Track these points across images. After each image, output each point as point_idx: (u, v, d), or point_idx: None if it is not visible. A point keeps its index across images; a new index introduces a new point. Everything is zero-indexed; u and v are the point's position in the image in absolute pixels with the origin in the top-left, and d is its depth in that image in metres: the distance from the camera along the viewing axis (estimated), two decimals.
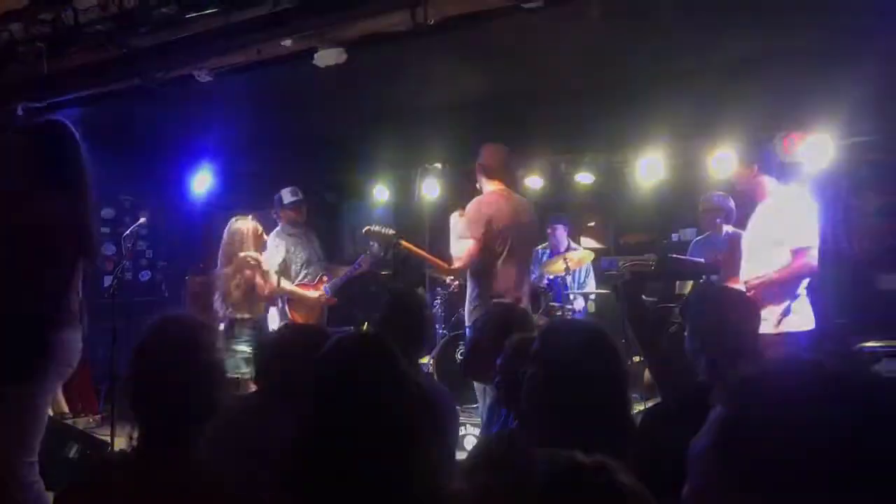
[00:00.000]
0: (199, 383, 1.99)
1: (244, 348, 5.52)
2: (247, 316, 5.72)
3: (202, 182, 7.95)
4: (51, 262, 3.30)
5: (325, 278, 6.23)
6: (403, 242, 5.13)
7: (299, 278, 6.15)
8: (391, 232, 5.22)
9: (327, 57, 4.52)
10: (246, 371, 5.26)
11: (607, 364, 2.12)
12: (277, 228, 6.24)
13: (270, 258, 5.97)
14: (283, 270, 6.05)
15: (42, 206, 3.30)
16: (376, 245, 5.56)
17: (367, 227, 5.35)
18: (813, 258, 4.22)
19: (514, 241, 4.78)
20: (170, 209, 8.27)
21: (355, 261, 6.18)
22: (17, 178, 3.37)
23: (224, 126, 6.67)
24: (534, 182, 8.33)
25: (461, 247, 4.81)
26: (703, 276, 4.66)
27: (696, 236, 6.68)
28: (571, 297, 7.36)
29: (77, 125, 3.52)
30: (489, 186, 4.95)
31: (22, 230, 3.24)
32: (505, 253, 4.76)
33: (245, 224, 5.82)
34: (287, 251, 6.11)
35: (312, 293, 6.14)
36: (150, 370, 1.99)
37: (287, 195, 6.22)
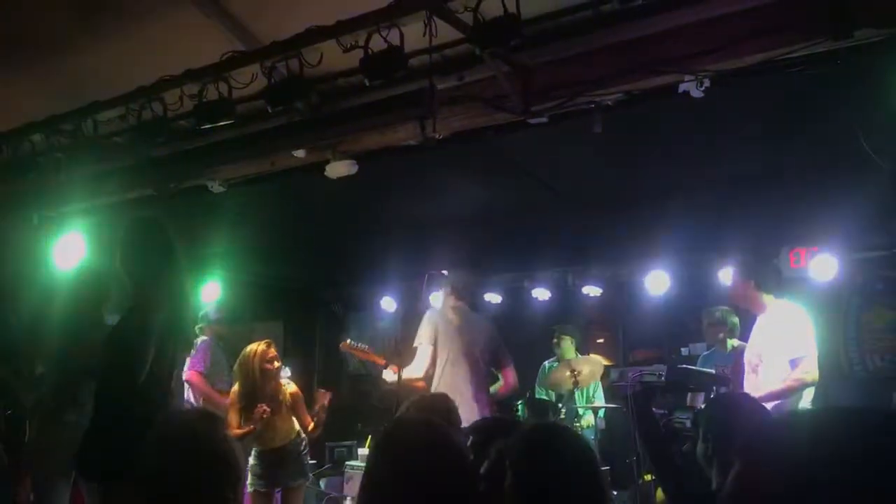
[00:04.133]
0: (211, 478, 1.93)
1: None
2: None
3: (211, 293, 7.97)
4: None
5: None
6: (348, 343, 5.77)
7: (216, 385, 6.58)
8: (365, 348, 5.88)
9: (339, 168, 4.63)
10: None
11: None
12: (205, 337, 6.80)
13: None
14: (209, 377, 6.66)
15: None
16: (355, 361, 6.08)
17: (342, 344, 5.91)
18: (811, 366, 4.21)
19: (458, 353, 5.14)
20: None
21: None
22: None
23: (232, 236, 6.79)
24: (540, 294, 8.32)
25: (420, 354, 5.29)
26: (714, 388, 4.60)
27: (705, 351, 6.62)
28: (581, 412, 7.22)
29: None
30: (450, 303, 5.49)
31: None
32: (447, 363, 5.16)
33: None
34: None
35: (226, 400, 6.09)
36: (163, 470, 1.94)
37: (213, 312, 6.96)
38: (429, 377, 5.27)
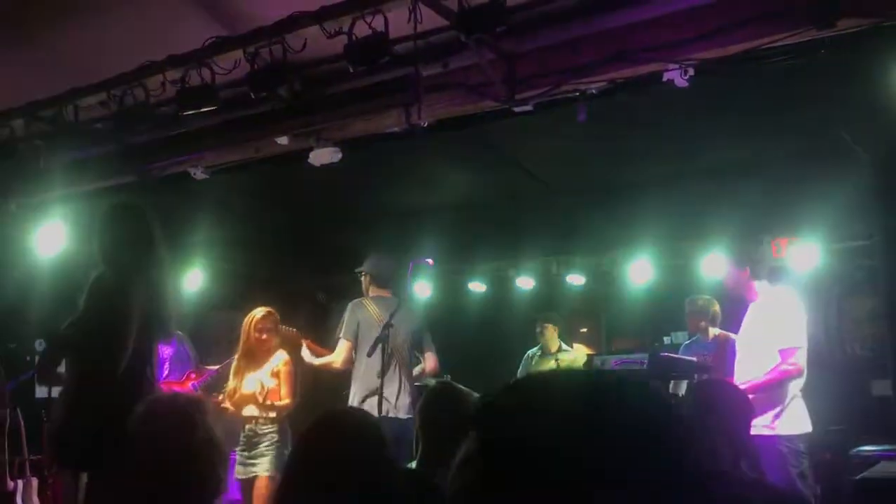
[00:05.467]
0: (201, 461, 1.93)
1: None
2: None
3: (193, 280, 7.92)
4: None
5: (192, 376, 6.32)
6: (306, 343, 5.81)
7: (163, 375, 6.17)
8: (292, 330, 5.95)
9: (322, 156, 4.61)
10: None
11: None
12: None
13: None
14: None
15: None
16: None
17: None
18: (799, 358, 4.22)
19: (383, 343, 5.15)
20: None
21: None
22: None
23: (216, 223, 6.73)
24: (525, 283, 8.34)
25: (339, 347, 5.45)
26: (696, 376, 4.63)
27: (687, 339, 6.66)
28: None
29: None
30: (373, 293, 5.59)
31: None
32: (367, 356, 5.20)
33: None
34: None
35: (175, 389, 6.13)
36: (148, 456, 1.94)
37: None
38: (348, 368, 5.45)
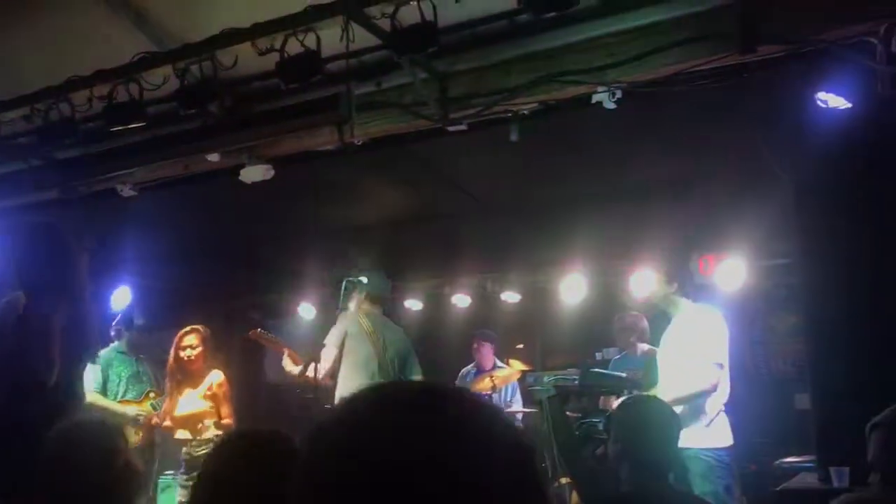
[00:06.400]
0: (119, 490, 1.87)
1: None
2: None
3: (121, 298, 7.72)
4: None
5: (151, 395, 6.06)
6: (286, 355, 5.55)
7: (121, 394, 6.03)
8: (272, 337, 5.89)
9: (254, 173, 4.56)
10: None
11: None
12: (114, 344, 6.24)
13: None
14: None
15: None
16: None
17: (251, 332, 5.86)
18: (714, 375, 4.32)
19: (365, 358, 5.20)
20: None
21: None
22: None
23: (146, 240, 6.59)
24: (461, 300, 8.37)
25: (323, 356, 5.27)
26: (626, 391, 4.71)
27: (617, 355, 6.77)
28: None
29: None
30: (365, 308, 5.48)
31: None
32: (352, 367, 5.20)
33: None
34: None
35: (130, 409, 5.93)
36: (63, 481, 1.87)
37: (137, 318, 6.46)
38: (333, 377, 5.34)
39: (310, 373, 5.23)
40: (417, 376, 5.60)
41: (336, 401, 5.06)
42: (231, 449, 1.95)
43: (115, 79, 4.11)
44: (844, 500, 1.34)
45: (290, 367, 5.54)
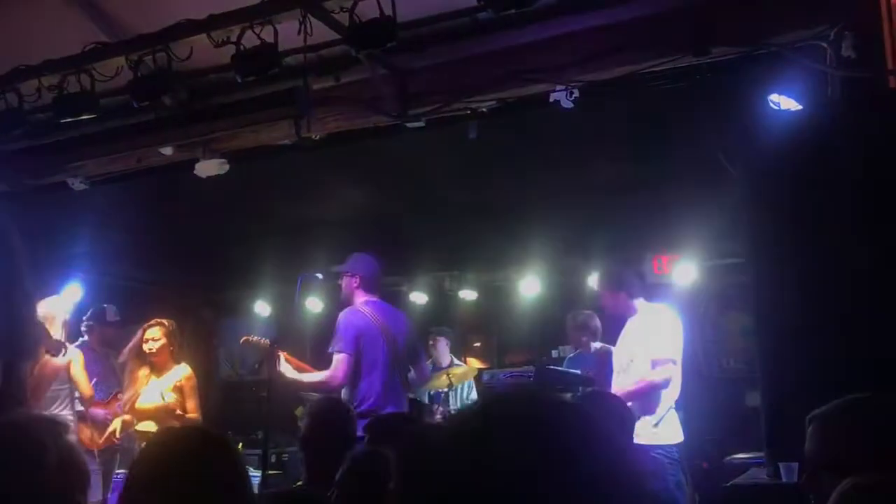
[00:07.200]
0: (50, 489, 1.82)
1: None
2: None
3: (71, 294, 7.56)
4: None
5: (119, 395, 5.85)
6: (283, 359, 4.98)
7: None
8: (266, 342, 5.20)
9: (208, 167, 4.50)
10: None
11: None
12: (82, 340, 6.09)
13: None
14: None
15: None
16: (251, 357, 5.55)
17: (244, 338, 5.27)
18: (668, 370, 4.39)
19: (384, 353, 4.79)
20: None
21: None
22: None
23: (96, 235, 6.45)
24: (418, 298, 8.36)
25: (334, 362, 4.74)
26: (579, 388, 4.76)
27: (572, 353, 6.83)
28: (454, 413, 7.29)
29: None
30: (361, 299, 4.96)
31: None
32: (373, 365, 4.77)
33: None
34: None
35: (99, 411, 5.86)
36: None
37: (111, 313, 6.23)
38: (350, 384, 4.79)
39: (321, 379, 4.84)
40: (424, 364, 5.42)
41: (359, 400, 4.71)
42: (155, 449, 1.93)
43: (65, 69, 4.02)
44: (849, 485, 1.37)
45: (292, 374, 4.99)
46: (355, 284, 5.00)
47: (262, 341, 5.29)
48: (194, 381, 5.46)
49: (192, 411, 5.37)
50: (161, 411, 5.25)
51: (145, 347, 5.38)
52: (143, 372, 5.40)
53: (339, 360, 4.70)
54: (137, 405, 5.31)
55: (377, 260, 5.17)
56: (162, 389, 5.31)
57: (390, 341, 4.85)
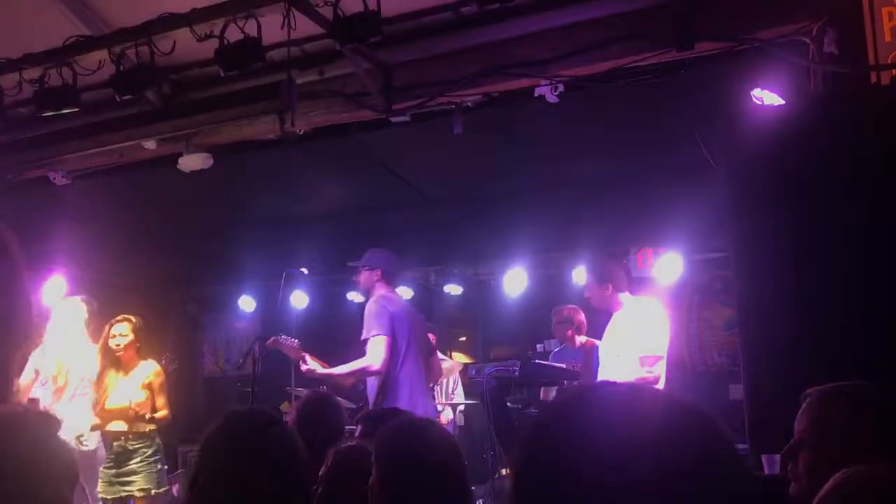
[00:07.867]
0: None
1: None
2: None
3: (54, 289, 7.51)
4: None
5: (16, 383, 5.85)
6: (309, 359, 4.91)
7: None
8: (295, 342, 5.09)
9: (192, 162, 4.47)
10: None
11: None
12: None
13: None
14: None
15: None
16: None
17: (272, 338, 5.17)
18: (657, 367, 4.40)
19: (413, 342, 4.76)
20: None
21: None
22: None
23: (80, 230, 6.40)
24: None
25: (373, 346, 4.60)
26: (564, 382, 4.77)
27: (557, 347, 6.85)
28: (440, 408, 7.30)
29: None
30: (381, 291, 4.86)
31: None
32: (406, 355, 4.71)
33: None
34: None
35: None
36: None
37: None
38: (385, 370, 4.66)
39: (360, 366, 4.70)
40: (435, 353, 5.45)
41: (392, 391, 4.63)
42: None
43: (46, 62, 3.99)
44: (853, 473, 1.38)
45: (323, 370, 4.91)
46: (376, 278, 4.92)
47: (290, 342, 5.13)
48: (163, 377, 5.39)
49: (162, 408, 5.29)
50: (128, 411, 5.19)
51: (111, 343, 5.28)
52: (111, 373, 5.31)
53: (378, 343, 4.58)
54: (107, 406, 5.25)
55: (395, 254, 5.14)
56: (130, 389, 5.24)
57: (416, 330, 4.84)
